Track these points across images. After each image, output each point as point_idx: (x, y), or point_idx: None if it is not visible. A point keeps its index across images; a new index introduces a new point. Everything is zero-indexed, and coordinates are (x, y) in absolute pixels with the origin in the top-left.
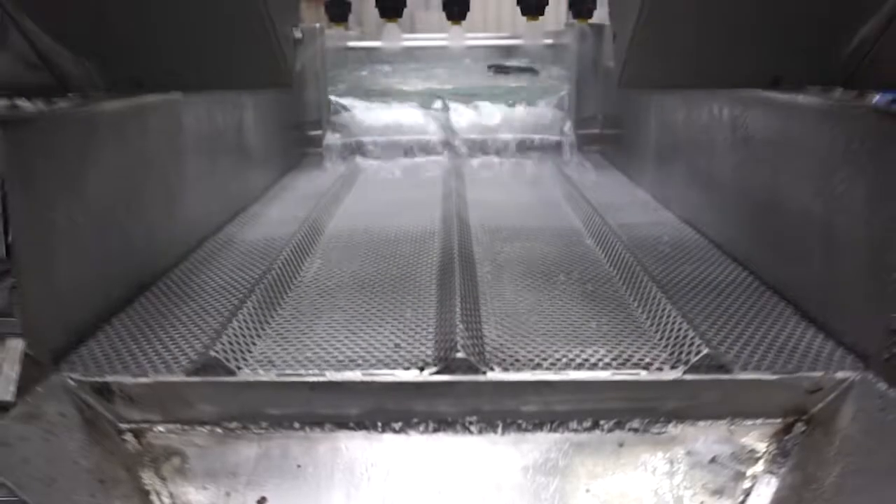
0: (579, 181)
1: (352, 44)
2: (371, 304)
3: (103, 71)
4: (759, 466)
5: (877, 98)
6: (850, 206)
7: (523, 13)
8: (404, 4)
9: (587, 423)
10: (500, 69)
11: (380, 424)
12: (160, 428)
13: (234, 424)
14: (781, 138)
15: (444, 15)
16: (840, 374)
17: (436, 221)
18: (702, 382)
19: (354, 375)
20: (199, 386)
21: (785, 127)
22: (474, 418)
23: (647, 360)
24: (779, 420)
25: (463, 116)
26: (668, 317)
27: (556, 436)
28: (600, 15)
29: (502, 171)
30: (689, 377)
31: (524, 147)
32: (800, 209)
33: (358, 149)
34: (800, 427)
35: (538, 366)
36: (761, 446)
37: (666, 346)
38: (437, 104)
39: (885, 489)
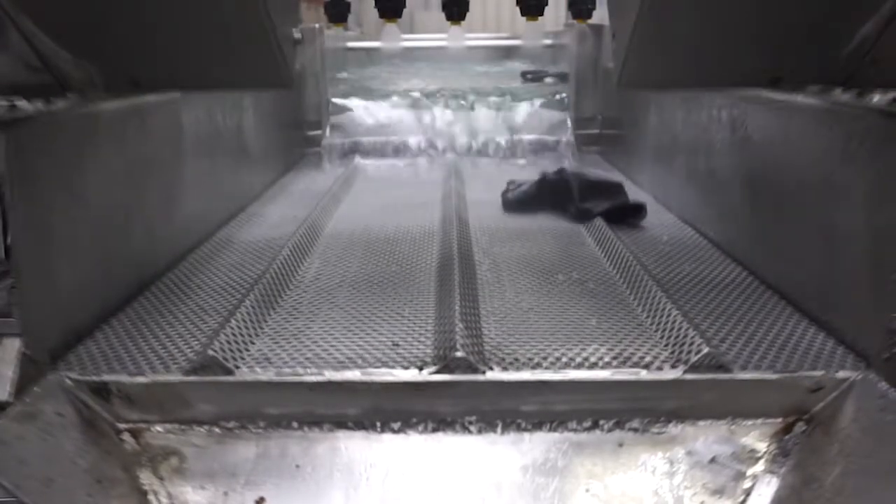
0: None
1: (351, 44)
2: (370, 304)
3: (103, 71)
4: (760, 466)
5: (877, 98)
6: (850, 206)
7: (523, 13)
8: (403, 5)
9: (587, 423)
10: (535, 76)
11: (379, 424)
12: (158, 428)
13: (232, 424)
14: (781, 138)
15: (443, 15)
16: (841, 374)
17: (435, 221)
18: (702, 382)
19: (353, 375)
20: (197, 385)
21: (784, 127)
22: (473, 418)
23: (648, 359)
24: (779, 420)
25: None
26: (669, 316)
27: (556, 435)
28: (600, 15)
29: (502, 171)
30: (689, 376)
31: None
32: (799, 209)
33: (357, 149)
34: (800, 427)
35: (538, 365)
36: (762, 446)
37: (666, 345)
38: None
39: (885, 489)
